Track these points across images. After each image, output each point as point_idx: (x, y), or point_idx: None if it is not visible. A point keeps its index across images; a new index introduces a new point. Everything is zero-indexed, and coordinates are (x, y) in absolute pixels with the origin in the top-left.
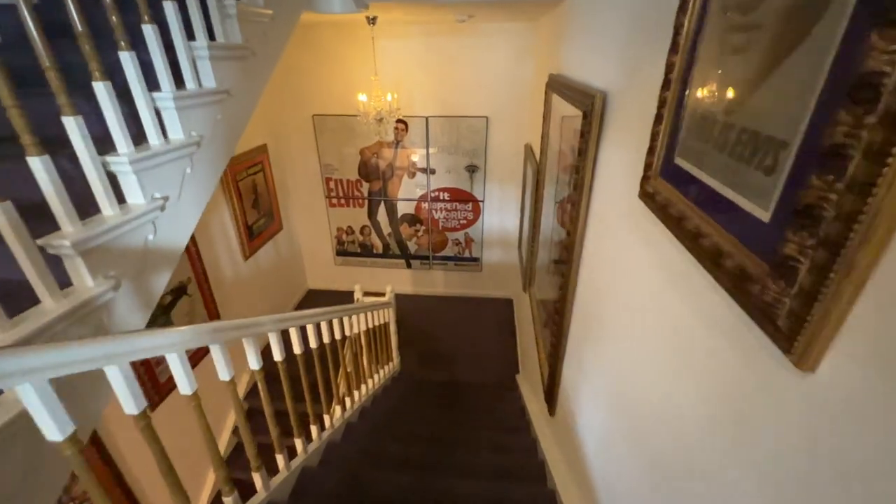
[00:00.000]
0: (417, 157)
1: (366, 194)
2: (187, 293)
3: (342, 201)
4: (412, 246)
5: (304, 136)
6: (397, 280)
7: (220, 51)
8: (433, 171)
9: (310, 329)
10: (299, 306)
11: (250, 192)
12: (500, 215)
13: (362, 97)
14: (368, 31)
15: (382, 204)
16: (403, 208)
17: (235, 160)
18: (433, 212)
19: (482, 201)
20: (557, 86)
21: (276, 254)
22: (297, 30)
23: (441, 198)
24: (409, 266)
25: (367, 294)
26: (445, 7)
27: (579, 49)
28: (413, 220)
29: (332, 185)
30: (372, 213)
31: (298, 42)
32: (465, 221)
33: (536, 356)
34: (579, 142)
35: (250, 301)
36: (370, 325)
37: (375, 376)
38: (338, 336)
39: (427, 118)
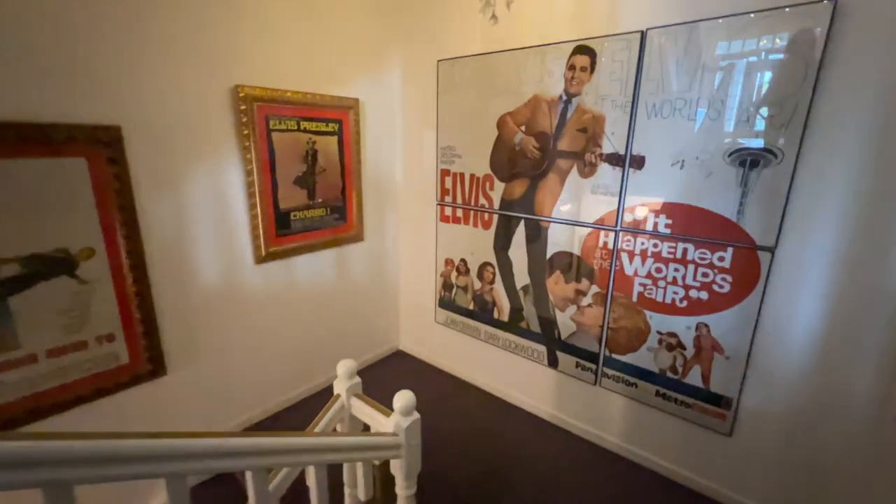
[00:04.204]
0: (608, 129)
1: (496, 203)
2: (75, 275)
3: (458, 214)
4: (566, 322)
5: (421, 96)
6: (525, 381)
7: None
8: (639, 162)
9: None
10: (377, 370)
11: (298, 159)
12: (827, 297)
13: None
14: None
15: (522, 225)
16: (560, 240)
17: (274, 95)
18: (622, 257)
19: (770, 249)
20: None
21: (343, 274)
22: None
23: (648, 225)
24: (552, 362)
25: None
26: None
27: None
28: (574, 267)
29: (447, 182)
30: (502, 241)
31: None
32: (706, 294)
33: None
34: None
35: (255, 334)
36: None
37: None
38: None
39: (643, 33)
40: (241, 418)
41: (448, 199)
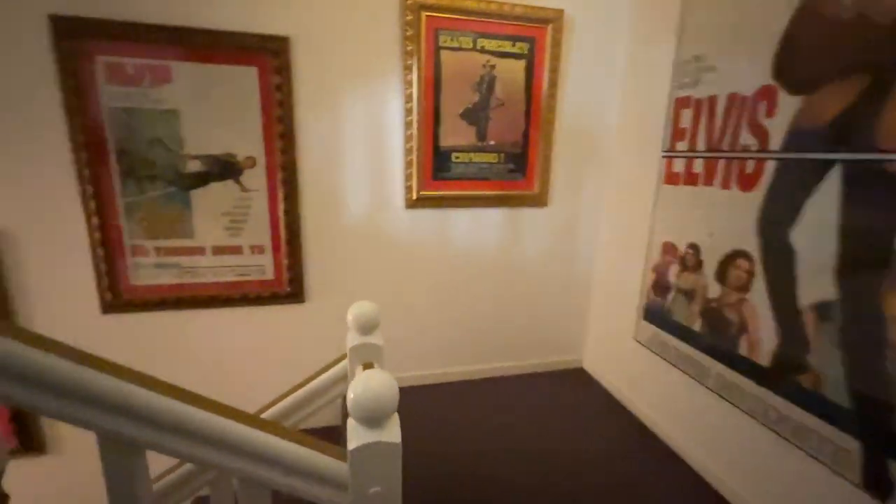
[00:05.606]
0: None
1: (777, 139)
2: (240, 181)
3: (694, 169)
4: None
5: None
6: (795, 497)
7: None
8: None
9: None
10: (547, 383)
11: (469, 86)
12: None
13: None
14: None
15: (836, 177)
16: None
17: (449, 3)
18: None
19: None
20: None
21: (515, 245)
22: None
23: None
24: (876, 484)
25: None
26: None
27: None
28: None
29: (684, 118)
30: (781, 211)
31: None
32: None
33: None
34: None
35: (398, 288)
36: None
37: None
38: None
39: None
40: None
41: (682, 145)
